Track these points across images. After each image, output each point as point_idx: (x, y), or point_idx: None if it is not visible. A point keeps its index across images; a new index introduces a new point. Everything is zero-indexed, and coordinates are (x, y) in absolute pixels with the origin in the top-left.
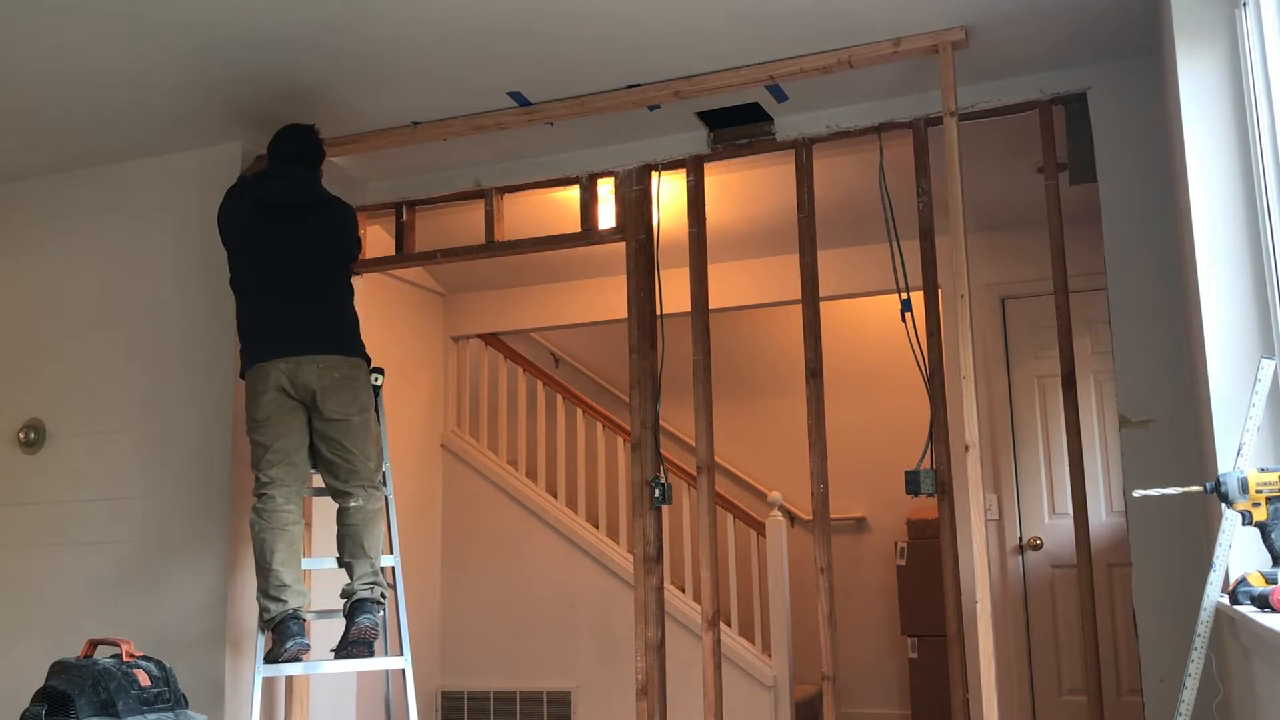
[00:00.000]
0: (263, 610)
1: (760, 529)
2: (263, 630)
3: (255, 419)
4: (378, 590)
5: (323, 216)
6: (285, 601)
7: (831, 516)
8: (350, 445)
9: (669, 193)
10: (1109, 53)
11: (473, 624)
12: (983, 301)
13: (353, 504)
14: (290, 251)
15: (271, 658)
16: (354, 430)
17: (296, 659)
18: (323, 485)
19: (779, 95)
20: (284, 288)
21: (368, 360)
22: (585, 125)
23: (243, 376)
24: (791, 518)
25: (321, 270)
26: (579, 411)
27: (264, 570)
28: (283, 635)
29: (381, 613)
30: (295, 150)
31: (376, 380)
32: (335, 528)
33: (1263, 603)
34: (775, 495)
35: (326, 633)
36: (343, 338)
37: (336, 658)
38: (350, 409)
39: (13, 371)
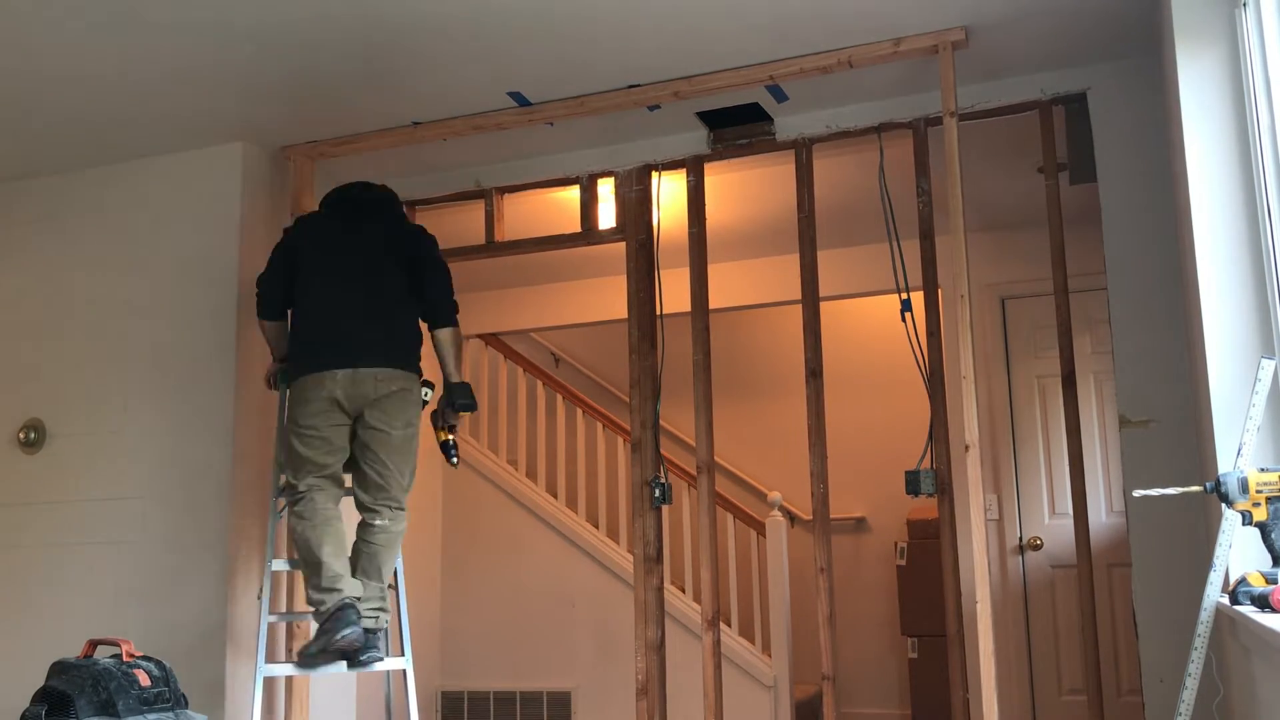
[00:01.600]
0: (317, 604)
1: (760, 529)
2: (316, 621)
3: (301, 424)
4: (382, 619)
5: (395, 228)
6: (341, 590)
7: (831, 516)
8: (386, 459)
9: (669, 193)
10: (1109, 53)
11: (473, 624)
12: (983, 301)
13: (378, 523)
14: (359, 257)
15: (320, 648)
16: (394, 444)
17: (351, 651)
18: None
19: (779, 95)
20: (348, 294)
21: (420, 375)
22: (585, 125)
23: (288, 383)
24: (791, 518)
25: (389, 280)
26: (579, 411)
27: (314, 565)
28: (339, 623)
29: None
30: (365, 187)
31: (425, 395)
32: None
33: (1263, 603)
34: (775, 495)
35: None
36: (405, 352)
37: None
38: (395, 422)
39: (13, 371)
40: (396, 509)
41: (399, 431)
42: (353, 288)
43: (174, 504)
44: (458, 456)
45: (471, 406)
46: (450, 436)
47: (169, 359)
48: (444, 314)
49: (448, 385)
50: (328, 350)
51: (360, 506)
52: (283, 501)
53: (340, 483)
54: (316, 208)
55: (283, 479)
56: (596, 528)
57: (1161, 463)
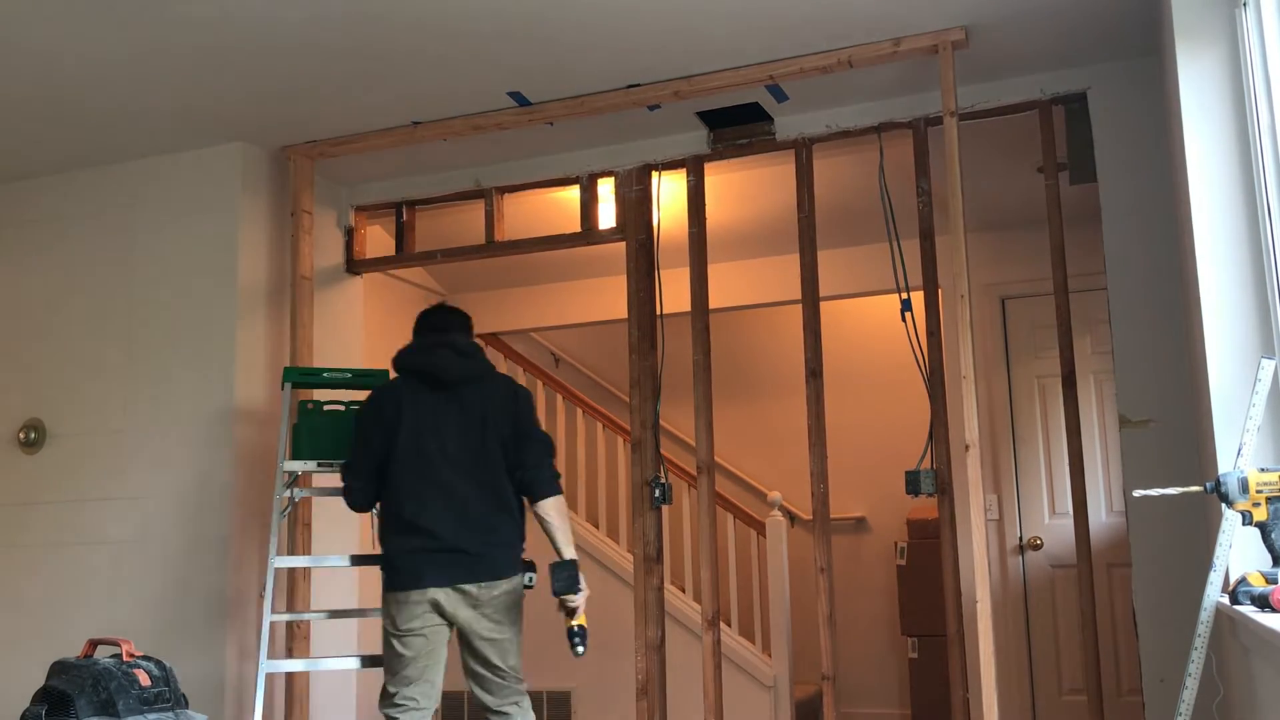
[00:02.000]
0: None
1: (760, 529)
2: None
3: (400, 628)
4: None
5: (494, 393)
6: None
7: (831, 516)
8: (501, 662)
9: (669, 193)
10: (1109, 53)
11: None
12: (983, 301)
13: None
14: (458, 444)
15: None
16: (506, 647)
17: None
18: (329, 487)
19: (779, 95)
20: (448, 496)
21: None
22: (585, 125)
23: (388, 588)
24: (791, 518)
25: (490, 467)
26: (579, 411)
27: None
28: None
29: None
30: (445, 320)
31: (530, 581)
32: (344, 524)
33: (1263, 603)
34: (775, 495)
35: (330, 633)
36: (508, 556)
37: None
38: (504, 624)
39: (13, 371)
40: (522, 699)
41: (508, 634)
42: (453, 487)
43: (174, 503)
44: (583, 645)
45: (570, 589)
46: (574, 623)
47: (169, 358)
48: (546, 484)
49: (552, 565)
50: (427, 567)
51: (485, 709)
52: (286, 499)
53: (436, 697)
54: (406, 350)
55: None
56: (596, 528)
57: (1161, 463)
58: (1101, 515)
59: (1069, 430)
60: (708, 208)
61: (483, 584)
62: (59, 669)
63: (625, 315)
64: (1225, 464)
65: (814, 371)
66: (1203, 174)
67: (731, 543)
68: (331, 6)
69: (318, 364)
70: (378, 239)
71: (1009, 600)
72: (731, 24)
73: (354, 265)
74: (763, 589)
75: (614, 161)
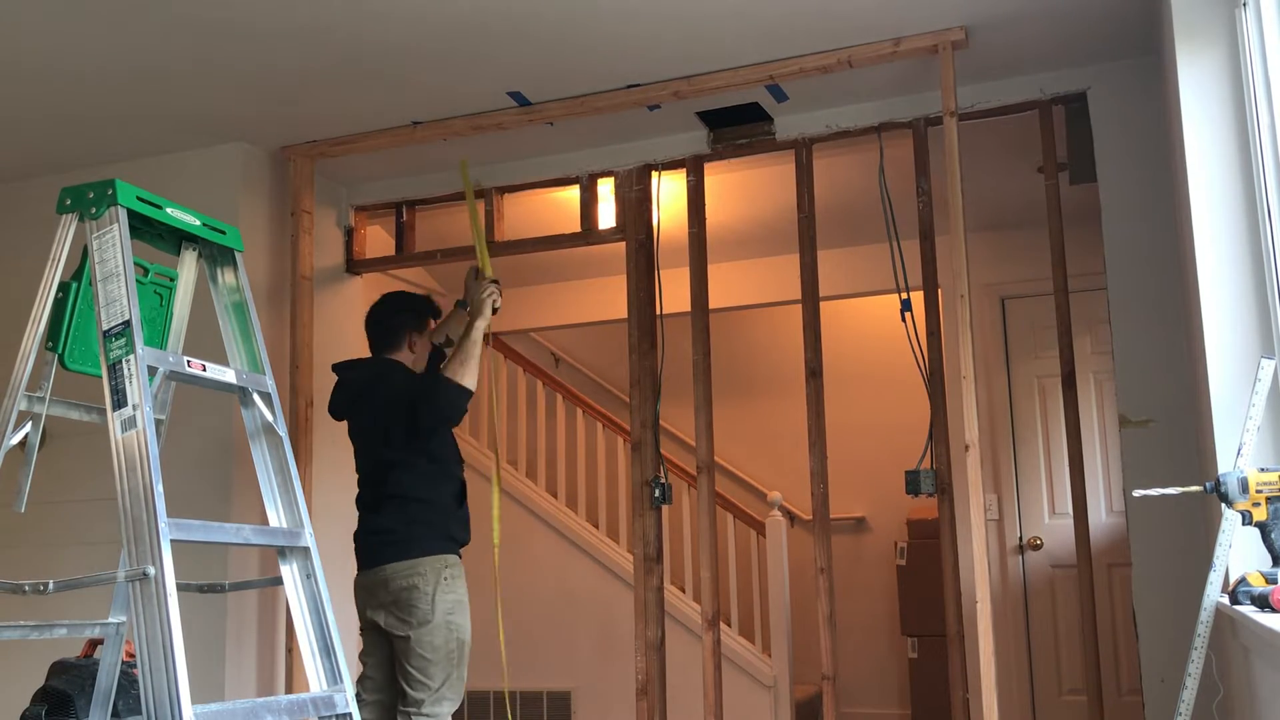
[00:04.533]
0: None
1: (760, 529)
2: None
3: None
4: None
5: (383, 385)
6: None
7: (831, 516)
8: (409, 664)
9: (669, 193)
10: (1109, 53)
11: (473, 624)
12: (983, 301)
13: None
14: (362, 437)
15: None
16: (411, 648)
17: None
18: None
19: (779, 95)
20: (362, 478)
21: (443, 548)
22: (585, 125)
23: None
24: (791, 518)
25: (388, 450)
26: (579, 411)
27: None
28: None
29: None
30: (369, 329)
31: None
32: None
33: (1263, 603)
34: (775, 495)
35: None
36: (407, 540)
37: None
38: (407, 626)
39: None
40: (419, 717)
41: (415, 631)
42: (363, 462)
43: (174, 504)
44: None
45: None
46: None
47: None
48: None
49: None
50: (356, 554)
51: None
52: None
53: (393, 705)
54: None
55: None
56: (596, 528)
57: (1161, 463)
58: (1101, 515)
59: (1069, 430)
60: (708, 208)
61: (383, 567)
62: (59, 669)
63: (625, 315)
64: (1225, 464)
65: (814, 371)
66: (1203, 174)
67: (731, 543)
68: (332, 6)
69: (319, 366)
70: (378, 239)
71: (1009, 600)
72: (731, 24)
73: (354, 265)
74: (763, 589)
75: (614, 161)
